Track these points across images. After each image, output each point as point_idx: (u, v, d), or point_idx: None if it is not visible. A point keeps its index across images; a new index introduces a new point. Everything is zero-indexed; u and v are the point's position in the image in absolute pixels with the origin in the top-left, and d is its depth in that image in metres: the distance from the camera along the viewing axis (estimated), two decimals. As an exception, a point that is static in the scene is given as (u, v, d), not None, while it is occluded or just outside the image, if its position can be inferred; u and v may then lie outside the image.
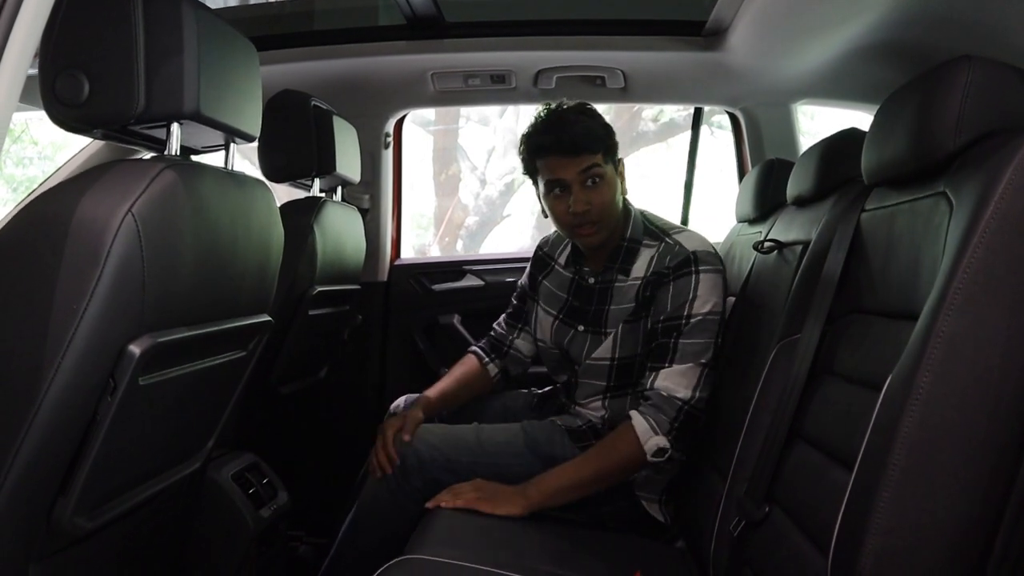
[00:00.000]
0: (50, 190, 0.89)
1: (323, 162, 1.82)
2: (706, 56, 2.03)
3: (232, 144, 1.16)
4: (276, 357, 1.70)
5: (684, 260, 1.51)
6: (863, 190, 1.12)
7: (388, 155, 2.41)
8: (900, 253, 0.94)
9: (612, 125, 1.57)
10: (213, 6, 1.05)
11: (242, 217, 1.11)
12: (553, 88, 2.17)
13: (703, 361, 1.46)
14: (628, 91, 2.21)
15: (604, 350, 1.57)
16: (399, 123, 2.45)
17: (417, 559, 1.18)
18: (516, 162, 1.62)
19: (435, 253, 7.59)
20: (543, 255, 1.80)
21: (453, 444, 1.51)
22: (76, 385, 0.87)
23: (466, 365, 1.80)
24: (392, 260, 2.47)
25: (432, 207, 7.79)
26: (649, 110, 7.03)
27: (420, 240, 7.81)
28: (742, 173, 2.37)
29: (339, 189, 2.07)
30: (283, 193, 1.69)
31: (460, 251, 7.34)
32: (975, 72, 0.84)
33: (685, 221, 2.42)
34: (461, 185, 7.64)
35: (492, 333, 1.86)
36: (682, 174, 2.49)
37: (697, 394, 1.44)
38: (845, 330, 1.06)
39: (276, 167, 1.81)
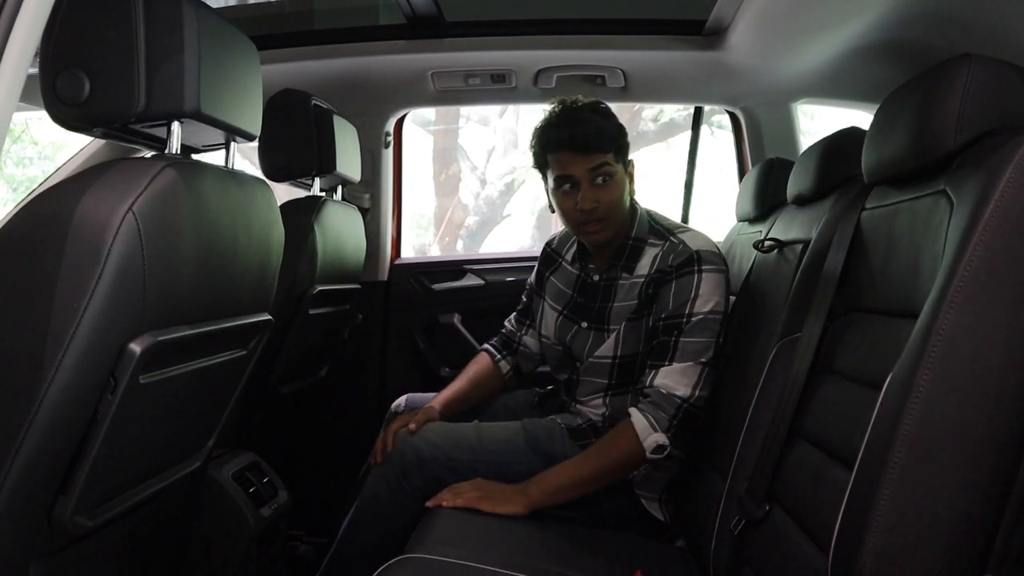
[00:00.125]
0: (50, 189, 0.89)
1: (323, 161, 1.82)
2: (706, 55, 2.03)
3: (232, 143, 1.16)
4: (276, 356, 1.70)
5: (687, 259, 1.51)
6: (863, 189, 1.12)
7: (388, 154, 2.41)
8: (900, 252, 0.94)
9: (614, 125, 1.58)
10: (214, 5, 1.04)
11: (242, 216, 1.11)
12: (553, 87, 2.17)
13: (703, 360, 1.46)
14: (628, 90, 2.21)
15: (606, 348, 1.57)
16: (399, 122, 2.45)
17: (417, 558, 1.18)
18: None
19: (435, 253, 7.59)
20: (551, 252, 1.81)
21: (454, 442, 1.51)
22: (77, 384, 0.86)
23: (479, 364, 1.81)
24: (392, 259, 2.47)
25: (432, 207, 7.79)
26: (649, 110, 7.04)
27: (420, 240, 7.82)
28: (742, 172, 2.37)
29: (339, 188, 2.08)
30: (283, 192, 1.69)
31: (460, 251, 7.34)
32: (975, 71, 0.84)
33: (685, 220, 2.43)
34: (461, 185, 7.64)
35: (503, 330, 1.88)
36: (682, 174, 2.50)
37: (697, 392, 1.44)
38: (845, 329, 1.06)
39: (276, 166, 1.81)
